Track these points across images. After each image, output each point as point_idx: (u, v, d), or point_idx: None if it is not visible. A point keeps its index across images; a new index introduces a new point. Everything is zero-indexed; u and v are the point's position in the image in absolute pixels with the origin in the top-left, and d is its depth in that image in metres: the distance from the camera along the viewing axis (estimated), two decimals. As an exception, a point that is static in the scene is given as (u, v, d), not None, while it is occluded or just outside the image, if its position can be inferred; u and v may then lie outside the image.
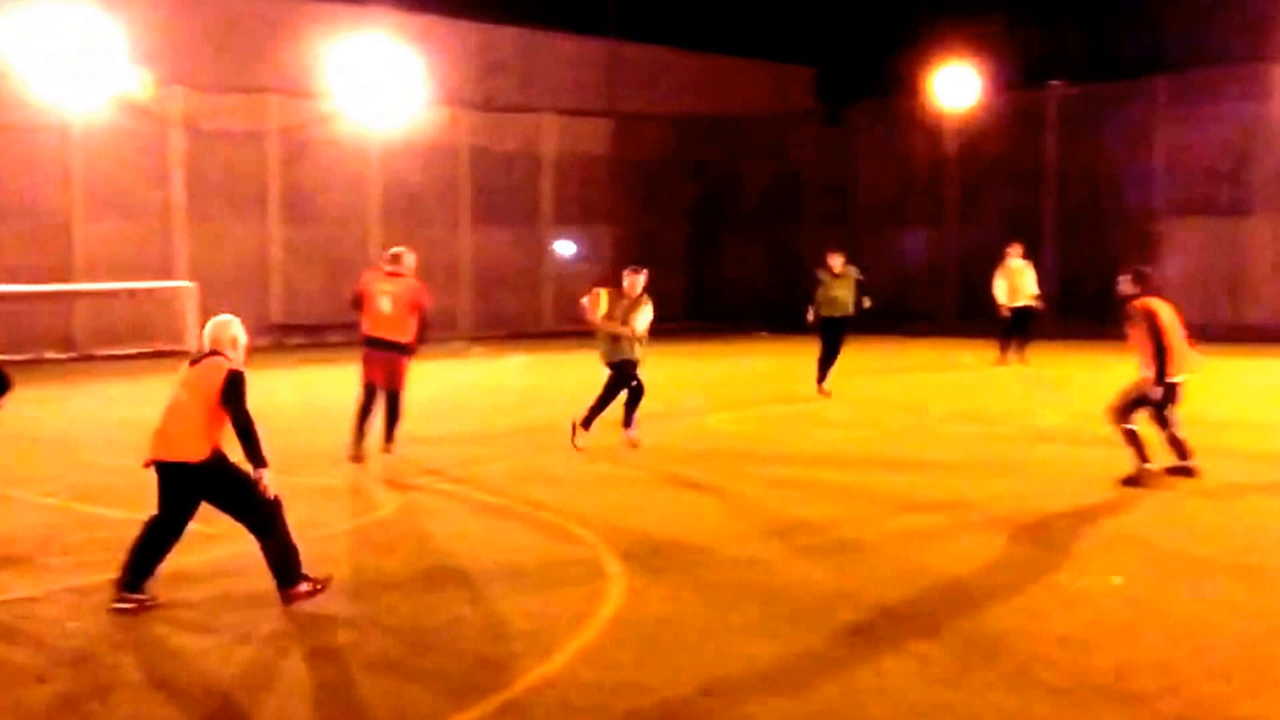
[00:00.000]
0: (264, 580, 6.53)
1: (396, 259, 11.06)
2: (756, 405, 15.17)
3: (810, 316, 15.43)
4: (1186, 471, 9.51)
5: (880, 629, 6.12)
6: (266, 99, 24.19)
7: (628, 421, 11.45)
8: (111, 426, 13.39)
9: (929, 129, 27.53)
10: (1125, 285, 9.72)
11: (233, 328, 6.65)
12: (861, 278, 15.74)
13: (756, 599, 6.64)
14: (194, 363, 6.54)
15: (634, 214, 29.77)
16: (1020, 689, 5.28)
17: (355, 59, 24.57)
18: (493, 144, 27.35)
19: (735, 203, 30.18)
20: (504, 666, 5.57)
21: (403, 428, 11.09)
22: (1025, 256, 19.62)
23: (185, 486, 6.36)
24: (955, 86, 27.01)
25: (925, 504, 9.17)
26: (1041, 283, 19.55)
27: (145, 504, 8.93)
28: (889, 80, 29.66)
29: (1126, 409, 9.58)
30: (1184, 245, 24.52)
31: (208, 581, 6.92)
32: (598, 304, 11.46)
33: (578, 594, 6.68)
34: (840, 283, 15.43)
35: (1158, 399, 9.42)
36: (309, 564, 6.53)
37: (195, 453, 6.28)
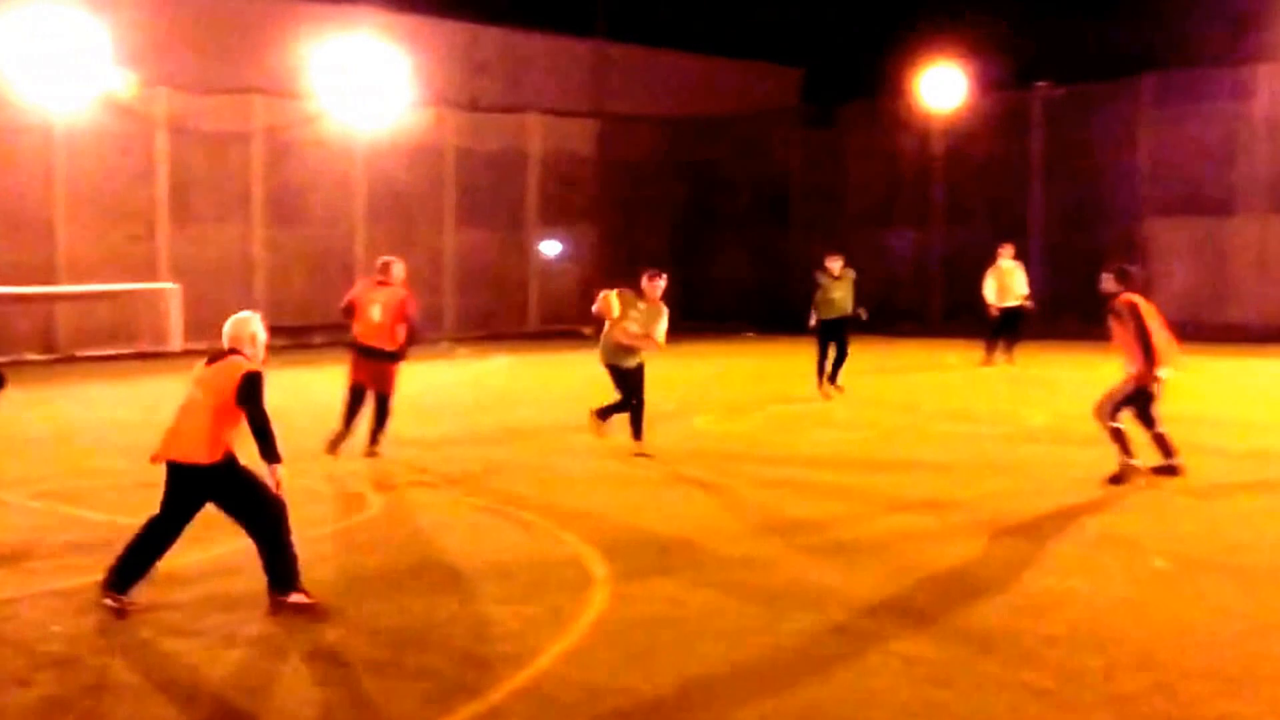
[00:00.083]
0: (249, 582, 6.50)
1: (386, 269, 11.21)
2: (745, 405, 15.16)
3: (812, 321, 15.38)
4: (1171, 470, 9.53)
5: (869, 629, 6.12)
6: (251, 99, 24.10)
7: (636, 434, 11.27)
8: (95, 429, 13.33)
9: (916, 130, 27.58)
10: (1108, 283, 9.74)
11: (252, 324, 6.60)
12: (855, 280, 15.74)
13: (744, 599, 6.62)
14: (211, 361, 6.46)
15: (620, 214, 29.76)
16: (1009, 689, 5.28)
17: (340, 59, 24.49)
18: (478, 144, 27.30)
19: (722, 203, 30.18)
20: (489, 668, 5.55)
21: (388, 429, 11.10)
22: (1016, 257, 19.64)
23: (193, 488, 6.30)
24: (942, 87, 27.06)
25: (915, 504, 9.17)
26: (1028, 283, 19.58)
27: (129, 507, 8.91)
28: (876, 81, 29.71)
29: (1114, 407, 9.59)
30: (1169, 245, 24.61)
31: (192, 583, 6.88)
32: (611, 307, 11.17)
33: (563, 595, 6.66)
34: (839, 284, 15.44)
35: (1156, 389, 9.42)
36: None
37: (207, 455, 6.21)
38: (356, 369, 11.03)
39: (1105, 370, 9.89)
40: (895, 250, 27.48)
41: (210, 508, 6.44)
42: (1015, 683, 5.34)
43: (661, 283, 11.44)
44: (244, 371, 6.30)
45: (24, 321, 21.66)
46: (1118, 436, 9.55)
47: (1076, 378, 16.03)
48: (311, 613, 6.25)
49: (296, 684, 5.46)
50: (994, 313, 19.34)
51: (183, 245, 23.38)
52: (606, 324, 11.32)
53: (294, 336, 23.67)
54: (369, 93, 24.82)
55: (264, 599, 6.35)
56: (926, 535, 8.13)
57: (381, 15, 26.07)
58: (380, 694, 5.29)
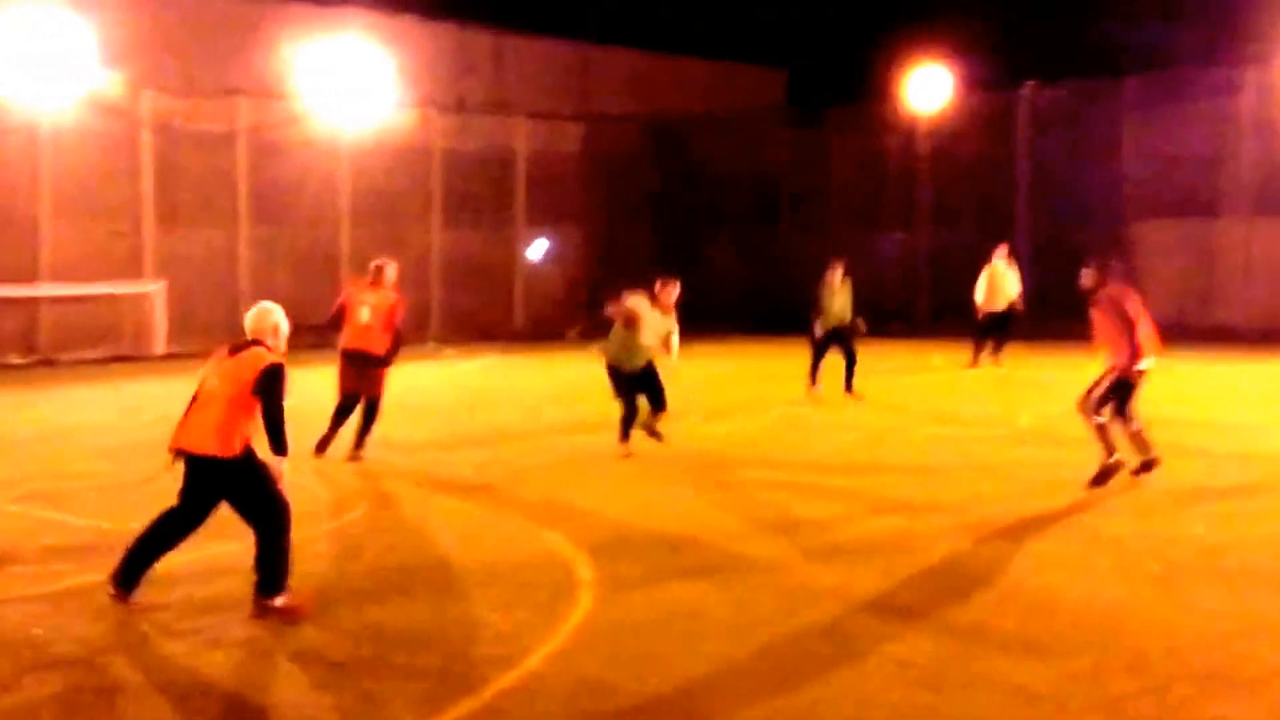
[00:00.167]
0: (233, 583, 6.45)
1: (379, 271, 11.24)
2: (734, 407, 15.13)
3: (819, 330, 15.28)
4: (1150, 465, 9.52)
5: (860, 630, 6.10)
6: (236, 100, 23.99)
7: (624, 435, 11.24)
8: (77, 432, 13.23)
9: (902, 131, 27.61)
10: (1088, 278, 9.75)
11: (273, 315, 6.55)
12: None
13: (734, 600, 6.60)
14: (233, 351, 6.41)
15: (606, 216, 29.72)
16: (1000, 691, 5.27)
17: (326, 60, 24.40)
18: (465, 145, 27.23)
19: (708, 204, 30.17)
20: (478, 669, 5.52)
21: (375, 431, 11.07)
22: (1010, 259, 19.64)
23: (209, 481, 6.25)
24: (928, 88, 27.10)
25: (904, 506, 9.16)
26: (1020, 285, 19.54)
27: (111, 511, 8.87)
28: (861, 82, 29.73)
29: (1098, 401, 9.57)
30: (1155, 246, 24.67)
31: (179, 585, 6.82)
32: (640, 315, 11.09)
33: (552, 596, 6.63)
34: (839, 294, 15.38)
35: (1139, 381, 9.42)
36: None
37: (225, 448, 6.17)
38: (345, 377, 11.00)
39: (1091, 371, 9.90)
40: (882, 251, 27.53)
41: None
42: (1006, 685, 5.33)
43: (675, 290, 11.51)
44: (266, 363, 6.26)
45: (7, 323, 21.53)
46: (1102, 432, 9.54)
47: (1063, 379, 16.02)
48: (294, 616, 6.20)
49: (280, 688, 5.41)
50: (982, 314, 19.35)
51: (168, 246, 23.26)
52: (618, 326, 11.18)
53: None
54: (354, 93, 24.74)
55: (247, 602, 6.30)
56: (916, 537, 8.11)
57: (367, 16, 25.98)
58: (364, 698, 5.25)
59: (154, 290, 22.23)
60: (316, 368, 12.65)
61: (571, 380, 19.01)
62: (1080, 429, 9.87)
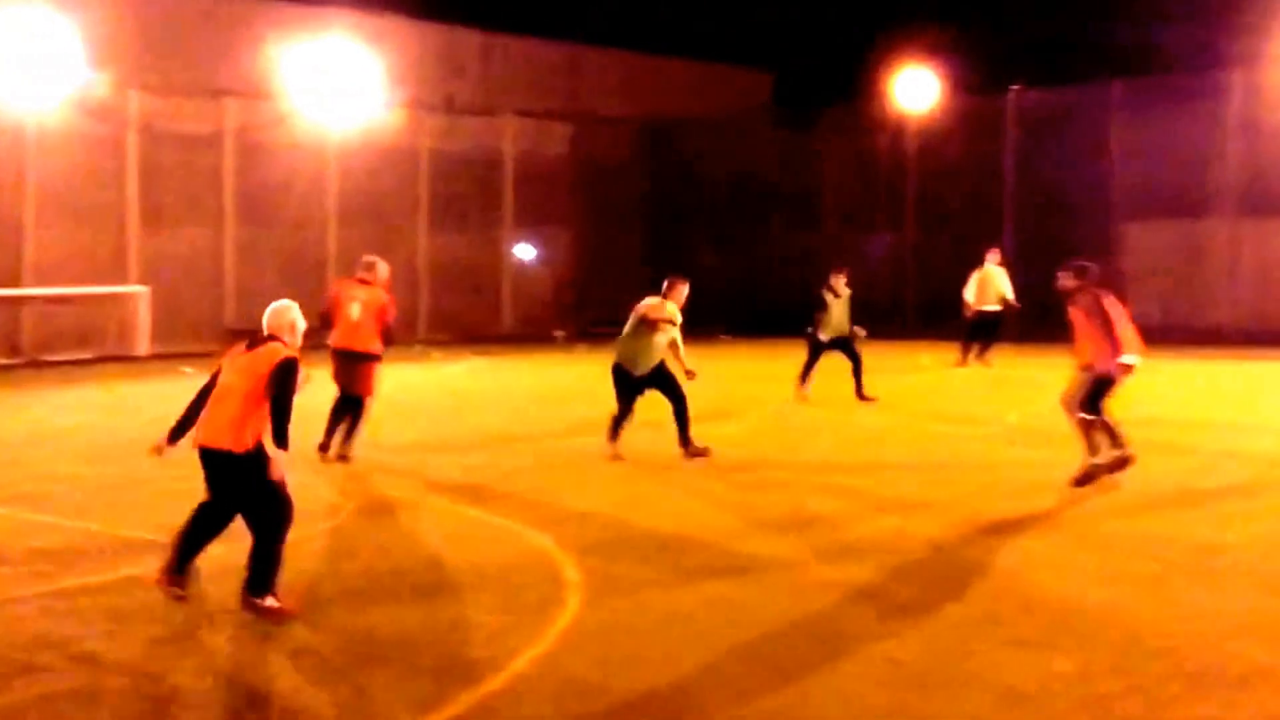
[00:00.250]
0: (223, 586, 6.41)
1: (370, 267, 11.25)
2: (723, 407, 15.11)
3: (824, 337, 15.21)
4: (1125, 460, 9.53)
5: (846, 630, 6.10)
6: (223, 101, 23.92)
7: (613, 436, 11.11)
8: (61, 434, 13.16)
9: (890, 133, 27.66)
10: (1065, 280, 9.79)
11: (291, 313, 6.58)
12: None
13: (721, 600, 6.59)
14: (250, 347, 6.43)
15: (594, 217, 29.71)
16: (984, 692, 5.26)
17: (314, 60, 24.34)
18: (452, 146, 27.19)
19: (697, 205, 30.18)
20: (465, 671, 5.51)
21: (362, 433, 11.04)
22: (1003, 261, 19.71)
23: (225, 474, 6.27)
24: (915, 91, 27.14)
25: (893, 506, 9.17)
26: (1012, 286, 19.58)
27: (94, 513, 8.83)
28: (849, 84, 29.77)
29: (1082, 400, 9.57)
30: (1141, 248, 24.77)
31: (151, 588, 6.77)
32: (672, 315, 10.99)
33: (539, 598, 6.61)
34: (841, 302, 15.34)
35: (1121, 379, 9.43)
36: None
37: (238, 442, 6.19)
38: (338, 375, 11.01)
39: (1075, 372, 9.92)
40: (870, 252, 27.58)
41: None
42: (993, 685, 5.33)
43: (685, 290, 11.30)
44: (281, 357, 6.29)
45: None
46: (1087, 429, 9.55)
47: (1050, 379, 16.05)
48: (280, 617, 6.19)
49: (264, 692, 5.38)
50: (969, 313, 19.40)
51: (153, 247, 23.18)
52: (632, 325, 10.99)
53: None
54: (342, 94, 24.68)
55: (231, 605, 6.27)
56: (907, 536, 8.11)
57: (355, 17, 25.91)
58: (349, 702, 5.23)
59: (139, 292, 22.15)
60: (311, 368, 12.60)
61: (560, 382, 19.00)
62: (1067, 428, 9.88)
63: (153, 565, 6.98)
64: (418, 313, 25.93)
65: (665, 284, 11.29)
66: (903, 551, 7.72)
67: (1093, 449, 9.51)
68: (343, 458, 10.83)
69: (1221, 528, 8.37)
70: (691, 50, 32.34)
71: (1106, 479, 9.51)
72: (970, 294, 19.35)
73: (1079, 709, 5.11)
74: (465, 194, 27.52)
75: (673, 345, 11.19)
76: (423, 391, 17.09)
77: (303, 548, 7.74)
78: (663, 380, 11.10)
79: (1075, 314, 9.63)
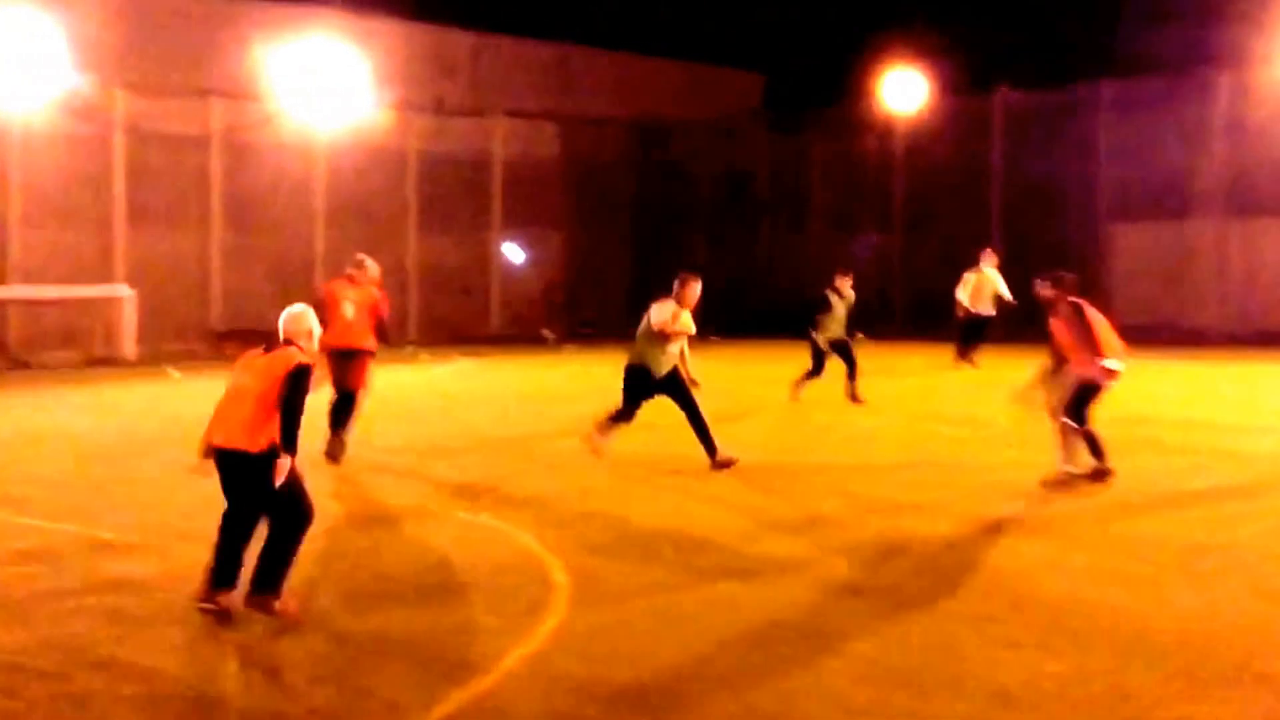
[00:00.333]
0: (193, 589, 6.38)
1: (359, 265, 11.37)
2: (717, 409, 15.09)
3: (822, 338, 15.18)
4: (1104, 473, 9.52)
5: (835, 630, 6.08)
6: (210, 101, 23.84)
7: (604, 430, 10.89)
8: (43, 435, 13.09)
9: (878, 135, 27.71)
10: (1043, 289, 9.81)
11: (307, 319, 6.58)
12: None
13: (708, 600, 6.58)
14: (266, 351, 6.43)
15: (583, 218, 29.71)
16: (971, 694, 5.25)
17: (301, 61, 24.27)
18: (442, 147, 27.16)
19: (686, 207, 30.20)
20: (454, 672, 5.49)
21: (353, 432, 11.03)
22: (997, 264, 19.76)
23: (241, 476, 6.24)
24: (903, 92, 27.19)
25: (885, 506, 9.16)
26: (1008, 287, 19.61)
27: (73, 515, 8.78)
28: (838, 86, 29.81)
29: (1068, 406, 9.57)
30: (1128, 249, 24.85)
31: (139, 591, 6.74)
32: (688, 325, 10.65)
33: (527, 599, 6.59)
34: (844, 303, 15.34)
35: (1106, 385, 9.43)
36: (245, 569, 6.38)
37: (253, 443, 6.17)
38: (332, 374, 11.01)
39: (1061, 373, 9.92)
40: (858, 252, 27.61)
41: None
42: (984, 685, 5.32)
43: (698, 288, 10.81)
44: (296, 362, 6.28)
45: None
46: (1067, 437, 9.53)
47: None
48: (285, 618, 6.17)
49: (249, 695, 5.35)
50: (961, 313, 19.44)
51: (139, 248, 23.10)
52: (646, 324, 10.66)
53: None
54: (330, 95, 24.63)
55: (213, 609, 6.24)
56: (897, 537, 8.10)
57: (343, 17, 25.86)
58: (335, 705, 5.20)
59: (125, 293, 22.07)
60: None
61: (549, 383, 18.98)
62: (1050, 426, 9.89)
63: (137, 567, 6.95)
64: (407, 314, 25.90)
65: (677, 282, 10.86)
66: (893, 552, 7.71)
67: (1068, 457, 9.49)
68: (332, 456, 10.79)
69: (1214, 529, 8.37)
70: (682, 52, 32.37)
71: (1083, 485, 9.49)
72: (963, 295, 19.38)
73: (1069, 709, 5.10)
74: (454, 195, 27.49)
75: (680, 352, 10.89)
76: (412, 393, 17.04)
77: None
78: (676, 387, 10.77)
79: (1055, 324, 9.62)
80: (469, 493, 9.74)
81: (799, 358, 15.43)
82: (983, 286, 19.39)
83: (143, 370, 19.89)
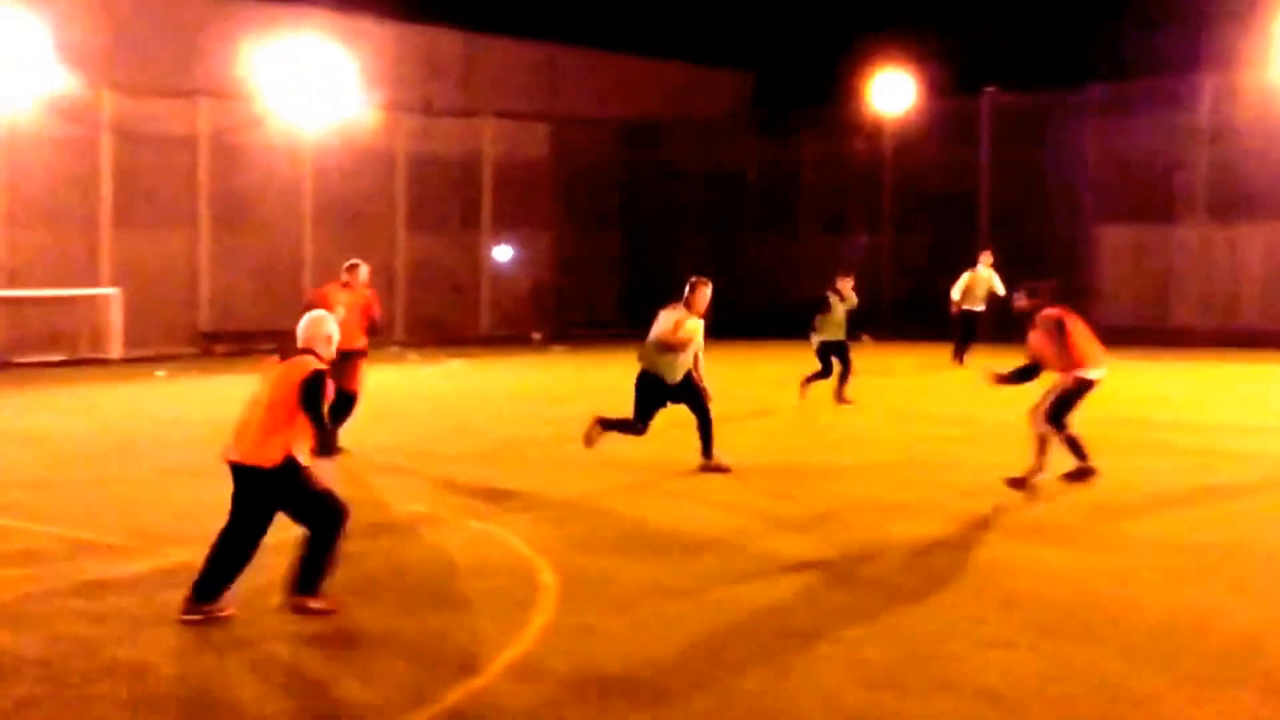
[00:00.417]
0: (185, 591, 6.37)
1: (351, 270, 11.68)
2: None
3: (815, 342, 15.14)
4: (1087, 472, 9.54)
5: (819, 629, 6.10)
6: (197, 102, 23.78)
7: (607, 428, 10.73)
8: (27, 437, 13.02)
9: (867, 135, 27.75)
10: (1020, 300, 9.85)
11: (326, 325, 6.53)
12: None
13: (696, 600, 6.59)
14: (282, 359, 6.41)
15: (573, 218, 29.69)
16: (954, 691, 5.28)
17: (290, 62, 24.22)
18: (431, 148, 27.11)
19: (675, 207, 30.20)
20: (438, 675, 5.49)
21: (340, 436, 11.01)
22: (994, 264, 19.86)
23: (255, 492, 6.21)
24: (893, 93, 27.24)
25: (872, 506, 9.20)
26: (1003, 287, 19.68)
27: (65, 517, 8.75)
28: (828, 86, 29.85)
29: (1048, 411, 9.57)
30: (1115, 251, 24.92)
31: (130, 592, 6.72)
32: (690, 335, 10.44)
33: (511, 603, 6.59)
34: (845, 305, 15.36)
35: (1086, 392, 9.45)
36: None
37: (267, 457, 6.14)
38: (330, 376, 11.02)
39: (1052, 375, 9.95)
40: (848, 254, 27.63)
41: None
42: (969, 685, 5.34)
43: (708, 292, 10.63)
44: (311, 369, 6.24)
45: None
46: (1044, 444, 9.52)
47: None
48: (327, 617, 6.18)
49: (245, 690, 5.34)
50: (955, 310, 19.57)
51: (126, 249, 23.01)
52: (663, 333, 10.48)
53: (238, 343, 23.40)
54: (318, 96, 24.57)
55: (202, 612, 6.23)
56: (884, 537, 8.13)
57: (332, 17, 25.79)
58: (324, 708, 5.21)
59: (111, 294, 22.00)
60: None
61: (539, 383, 18.97)
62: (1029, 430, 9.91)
63: (126, 569, 6.94)
64: (395, 315, 25.84)
65: (687, 287, 10.66)
66: (880, 552, 7.73)
67: (1040, 465, 9.49)
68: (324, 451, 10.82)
69: (1199, 529, 8.42)
70: (671, 52, 32.36)
71: (1062, 486, 9.51)
72: (957, 293, 19.55)
73: (1052, 708, 5.13)
74: (443, 196, 27.45)
75: (695, 359, 10.68)
76: (401, 394, 17.01)
77: (272, 555, 7.70)
78: (690, 393, 10.60)
79: (1033, 335, 9.63)
80: (460, 494, 9.74)
81: (784, 359, 15.46)
82: (976, 285, 19.56)
83: (129, 371, 19.83)
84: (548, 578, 7.08)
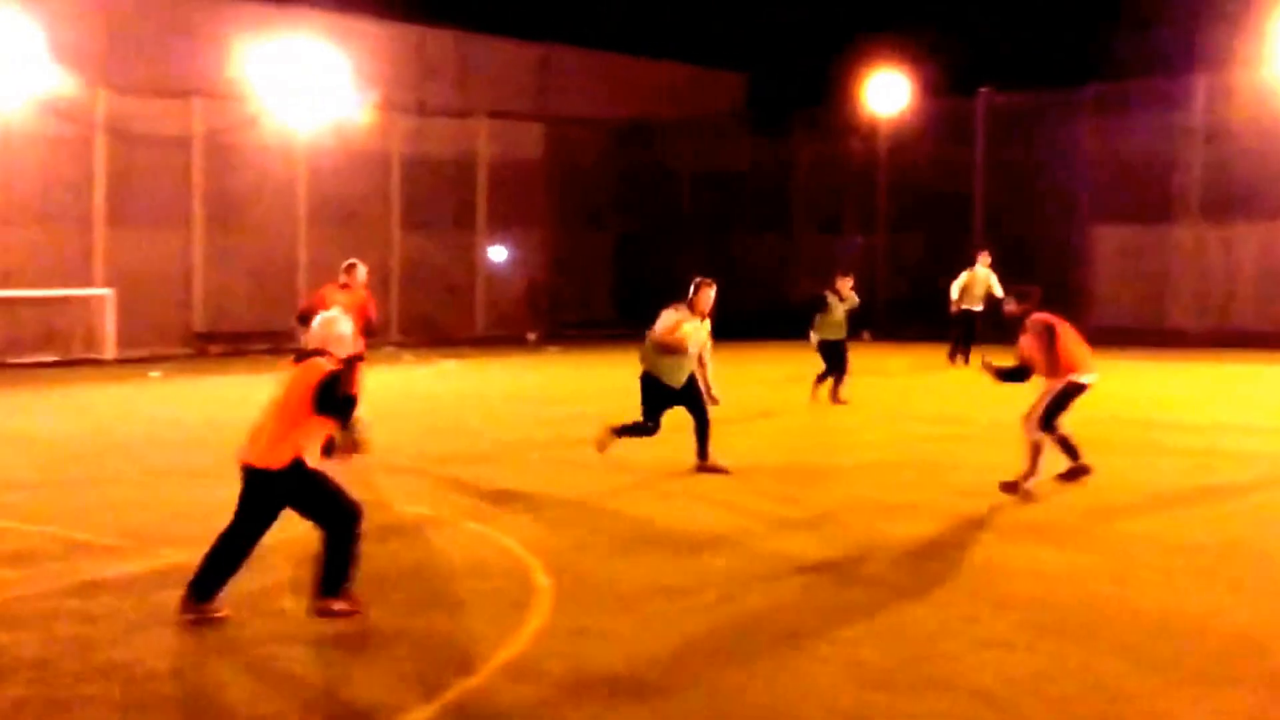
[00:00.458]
0: (178, 592, 6.34)
1: (349, 271, 11.68)
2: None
3: (814, 341, 15.14)
4: (1081, 470, 9.54)
5: (816, 630, 6.09)
6: (191, 102, 23.74)
7: (619, 434, 10.69)
8: (25, 436, 13.01)
9: (862, 136, 27.77)
10: (1010, 306, 9.86)
11: (340, 325, 6.48)
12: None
13: (689, 600, 6.58)
14: (298, 360, 6.36)
15: (567, 218, 29.69)
16: (949, 692, 5.27)
17: (285, 62, 24.19)
18: (425, 148, 27.10)
19: (668, 208, 30.20)
20: (433, 676, 5.48)
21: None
22: (992, 264, 19.90)
23: (264, 494, 6.19)
24: (888, 93, 27.26)
25: (868, 506, 9.19)
26: (1001, 287, 19.72)
27: (59, 516, 8.72)
28: (823, 87, 29.87)
29: (1040, 416, 9.55)
30: (1109, 251, 24.96)
31: (125, 593, 6.70)
32: (687, 338, 10.36)
33: (508, 604, 6.58)
34: (844, 306, 15.35)
35: (1077, 396, 9.45)
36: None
37: (274, 459, 6.11)
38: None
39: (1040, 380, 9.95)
40: (842, 255, 27.65)
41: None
42: (963, 685, 5.34)
43: (712, 293, 10.56)
44: (324, 372, 6.19)
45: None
46: (1036, 451, 9.51)
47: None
48: (350, 618, 6.15)
49: (238, 691, 5.33)
50: (955, 309, 19.61)
51: (120, 250, 22.97)
52: (659, 332, 10.44)
53: (232, 344, 23.38)
54: (313, 96, 24.55)
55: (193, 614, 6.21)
56: (878, 537, 8.12)
57: (326, 17, 25.77)
58: (330, 701, 5.20)
59: (105, 295, 21.96)
60: (266, 375, 12.49)
61: (534, 384, 18.95)
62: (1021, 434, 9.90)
63: (121, 569, 6.91)
64: (390, 316, 25.82)
65: (691, 288, 10.61)
66: (873, 552, 7.72)
67: (1033, 470, 9.48)
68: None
69: (1196, 528, 8.42)
70: (666, 52, 32.38)
71: (1065, 486, 9.51)
72: (955, 293, 19.61)
73: (1049, 708, 5.12)
74: (438, 196, 27.44)
75: (701, 363, 10.65)
76: (396, 394, 16.98)
77: (279, 551, 7.68)
78: (691, 397, 10.56)
79: (1023, 340, 9.63)
80: (457, 495, 9.71)
81: (779, 359, 15.46)
82: (974, 284, 19.63)
83: (123, 372, 19.79)
84: (544, 579, 7.06)
